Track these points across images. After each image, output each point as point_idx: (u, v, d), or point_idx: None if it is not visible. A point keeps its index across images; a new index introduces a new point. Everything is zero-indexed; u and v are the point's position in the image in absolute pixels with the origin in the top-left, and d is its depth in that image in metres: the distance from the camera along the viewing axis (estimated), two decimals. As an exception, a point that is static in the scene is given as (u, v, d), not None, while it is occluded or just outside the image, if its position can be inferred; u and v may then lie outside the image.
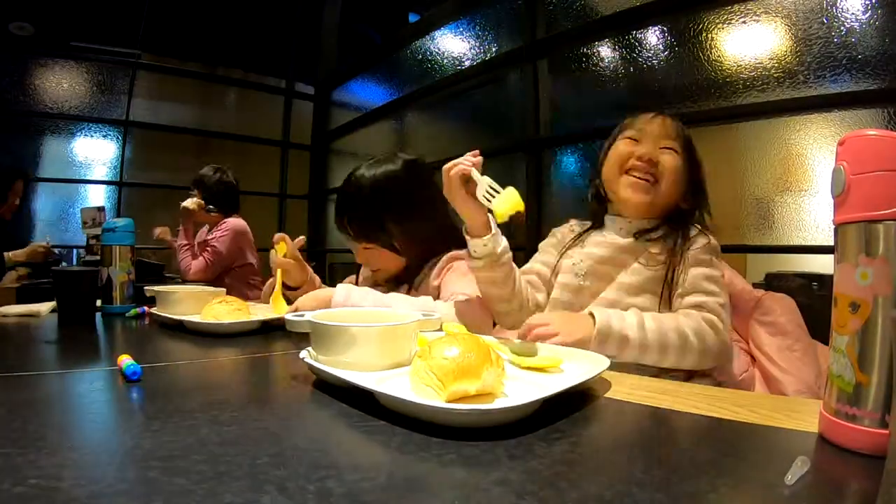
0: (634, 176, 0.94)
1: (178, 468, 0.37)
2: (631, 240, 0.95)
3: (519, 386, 0.56)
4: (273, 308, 1.12)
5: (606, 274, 0.94)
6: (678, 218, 0.96)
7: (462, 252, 1.06)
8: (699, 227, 0.96)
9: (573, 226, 1.07)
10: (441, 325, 0.73)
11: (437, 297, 1.09)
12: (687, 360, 0.80)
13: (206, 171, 2.47)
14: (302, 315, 0.66)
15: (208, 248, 2.37)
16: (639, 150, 0.94)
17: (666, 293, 0.90)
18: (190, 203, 2.38)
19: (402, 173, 1.14)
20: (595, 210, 1.04)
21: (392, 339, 0.62)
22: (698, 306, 0.85)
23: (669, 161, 0.94)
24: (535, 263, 1.06)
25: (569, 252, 1.00)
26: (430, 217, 1.15)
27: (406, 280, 1.19)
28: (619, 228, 0.97)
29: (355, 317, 0.69)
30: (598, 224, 1.02)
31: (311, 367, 0.61)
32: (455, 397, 0.49)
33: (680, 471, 0.38)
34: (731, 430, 0.48)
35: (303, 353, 0.64)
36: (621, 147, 0.97)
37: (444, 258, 1.14)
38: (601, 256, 0.95)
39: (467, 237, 0.91)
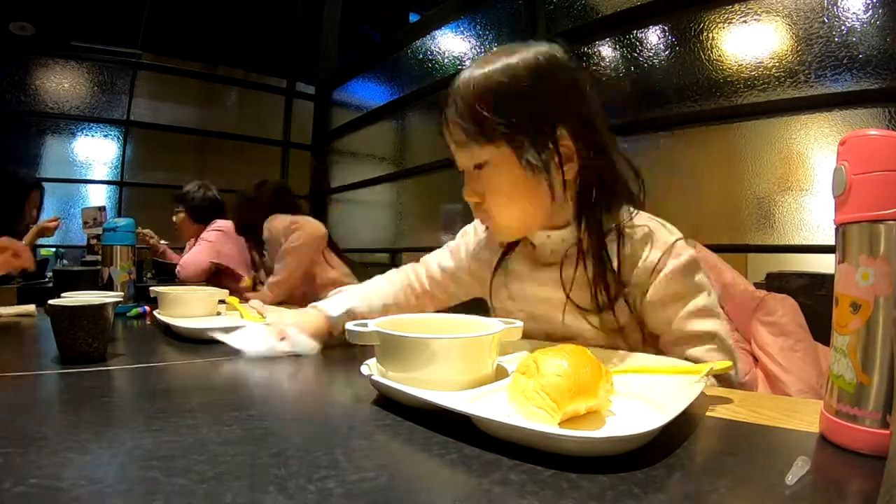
0: (482, 222, 0.78)
1: (179, 468, 0.37)
2: (555, 267, 0.75)
3: (623, 403, 0.51)
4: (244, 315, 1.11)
5: (546, 315, 0.77)
6: (591, 213, 0.72)
7: None
8: (651, 222, 0.73)
9: (481, 238, 0.88)
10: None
11: None
12: None
13: (189, 188, 2.50)
14: (365, 325, 0.58)
15: (199, 244, 2.37)
16: (466, 193, 0.74)
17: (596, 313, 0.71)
18: (148, 237, 2.56)
19: None
20: None
21: (478, 352, 0.55)
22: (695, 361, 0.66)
23: (485, 185, 0.72)
24: (434, 265, 0.93)
25: (494, 287, 0.84)
26: None
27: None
28: (540, 242, 0.77)
29: (425, 325, 0.61)
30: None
31: (378, 386, 0.54)
32: (566, 418, 0.45)
33: (680, 471, 0.38)
34: (731, 429, 0.48)
35: (365, 369, 0.57)
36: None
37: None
38: (535, 297, 0.78)
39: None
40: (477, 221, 0.87)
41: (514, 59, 0.68)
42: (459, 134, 0.70)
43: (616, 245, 0.71)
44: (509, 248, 0.82)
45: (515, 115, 0.67)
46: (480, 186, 0.72)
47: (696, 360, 0.65)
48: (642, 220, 0.73)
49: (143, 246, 2.70)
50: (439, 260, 0.93)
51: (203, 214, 2.46)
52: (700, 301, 0.70)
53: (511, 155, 0.68)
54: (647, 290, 0.70)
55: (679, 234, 0.73)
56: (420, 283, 0.93)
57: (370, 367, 0.57)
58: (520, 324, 0.62)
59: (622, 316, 0.72)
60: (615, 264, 0.70)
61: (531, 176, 0.69)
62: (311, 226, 1.84)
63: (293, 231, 1.79)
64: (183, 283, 2.27)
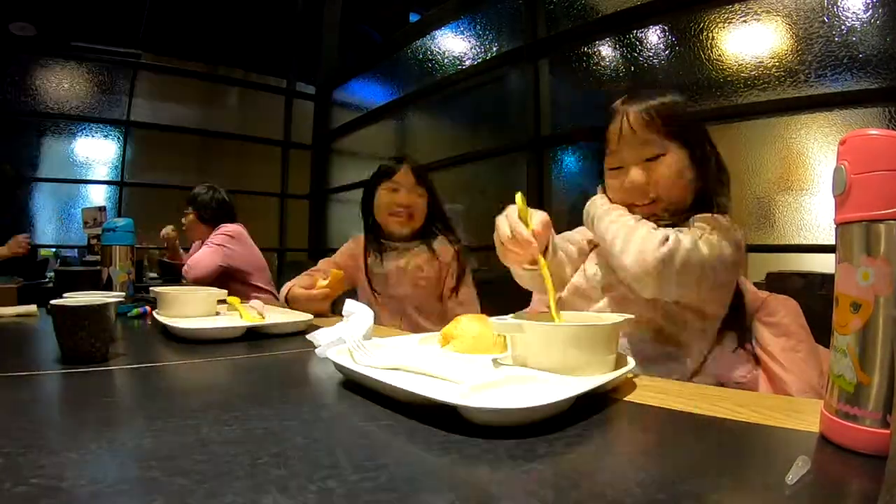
0: (637, 207, 0.90)
1: (180, 468, 0.37)
2: None
3: (540, 385, 0.55)
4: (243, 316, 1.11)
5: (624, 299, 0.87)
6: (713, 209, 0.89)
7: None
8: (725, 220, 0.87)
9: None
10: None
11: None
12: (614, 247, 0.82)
13: (198, 190, 2.52)
14: (504, 319, 0.64)
15: (207, 246, 2.38)
16: (625, 178, 0.89)
17: None
18: (167, 231, 2.54)
19: None
20: None
21: (614, 337, 0.63)
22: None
23: (659, 173, 0.88)
24: (573, 238, 1.02)
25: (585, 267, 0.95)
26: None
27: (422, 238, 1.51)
28: None
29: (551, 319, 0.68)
30: None
31: (346, 372, 0.61)
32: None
33: (681, 470, 0.38)
34: (732, 429, 0.48)
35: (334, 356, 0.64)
36: (612, 185, 0.93)
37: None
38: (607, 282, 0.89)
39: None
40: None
41: (676, 96, 0.91)
42: (643, 133, 0.86)
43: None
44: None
45: (688, 128, 0.89)
46: (651, 173, 0.87)
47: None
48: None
49: (156, 247, 2.72)
50: (570, 236, 1.02)
51: (212, 216, 2.48)
52: (715, 238, 0.83)
53: (683, 152, 0.87)
54: None
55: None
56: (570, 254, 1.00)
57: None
58: (631, 316, 0.69)
59: None
60: None
61: (690, 169, 0.87)
62: None
63: None
64: (190, 283, 2.28)
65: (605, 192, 0.95)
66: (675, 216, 0.88)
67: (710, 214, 0.86)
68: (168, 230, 2.64)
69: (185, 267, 2.36)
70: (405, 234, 1.52)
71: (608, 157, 0.92)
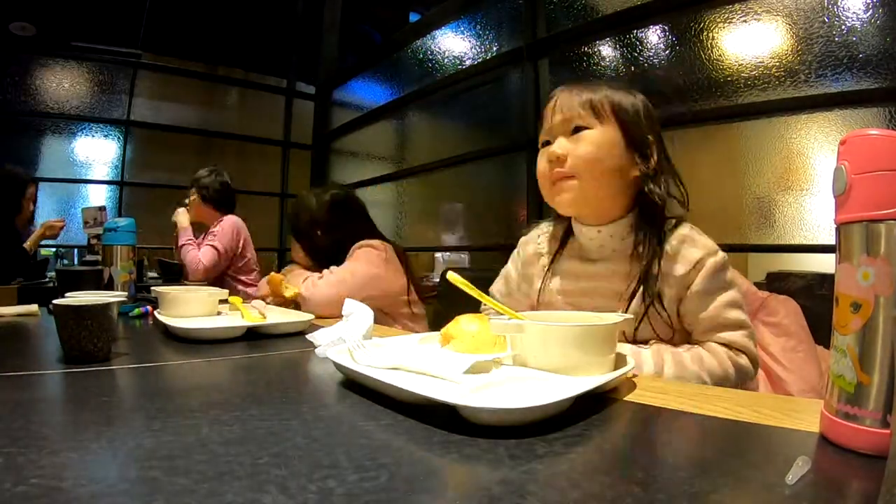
0: (556, 181, 0.82)
1: (180, 468, 0.37)
2: (605, 262, 0.84)
3: (540, 385, 0.56)
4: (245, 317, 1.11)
5: (592, 305, 0.82)
6: (647, 213, 0.82)
7: (370, 242, 1.50)
8: (691, 228, 0.82)
9: (541, 239, 0.95)
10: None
11: None
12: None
13: (202, 172, 2.58)
14: (504, 318, 0.64)
15: (208, 244, 2.40)
16: (548, 154, 0.83)
17: (630, 330, 0.79)
18: (179, 216, 2.51)
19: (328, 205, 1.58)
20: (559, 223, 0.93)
21: (613, 336, 0.63)
22: (727, 345, 0.77)
23: (582, 140, 0.80)
24: (497, 295, 1.00)
25: (543, 288, 0.90)
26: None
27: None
28: (588, 239, 0.86)
29: (551, 318, 0.69)
30: (568, 234, 0.91)
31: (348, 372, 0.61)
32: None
33: (681, 470, 0.38)
34: (732, 429, 0.48)
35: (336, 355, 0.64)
36: (538, 162, 0.86)
37: (356, 246, 1.50)
38: (582, 290, 0.85)
39: None
40: (521, 244, 0.98)
41: (627, 90, 0.85)
42: (576, 105, 0.81)
43: (663, 244, 0.80)
44: (558, 249, 0.91)
45: (629, 112, 0.82)
46: (574, 143, 0.81)
47: (731, 343, 0.76)
48: (683, 228, 0.83)
49: (158, 246, 2.71)
50: (499, 290, 1.01)
51: (213, 196, 2.53)
52: (735, 294, 0.79)
53: (616, 132, 0.81)
54: (691, 284, 0.78)
55: (709, 240, 0.82)
56: None
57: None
58: (630, 316, 0.70)
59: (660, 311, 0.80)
60: (662, 260, 0.79)
61: (626, 155, 0.81)
62: None
63: None
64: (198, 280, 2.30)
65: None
66: (607, 222, 0.83)
67: (687, 229, 0.81)
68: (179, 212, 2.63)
69: (190, 260, 2.38)
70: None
71: (541, 135, 0.88)
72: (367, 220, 1.70)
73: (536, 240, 0.96)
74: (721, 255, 0.80)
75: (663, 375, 0.72)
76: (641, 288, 0.79)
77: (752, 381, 0.79)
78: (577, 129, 0.81)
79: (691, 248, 0.79)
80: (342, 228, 1.58)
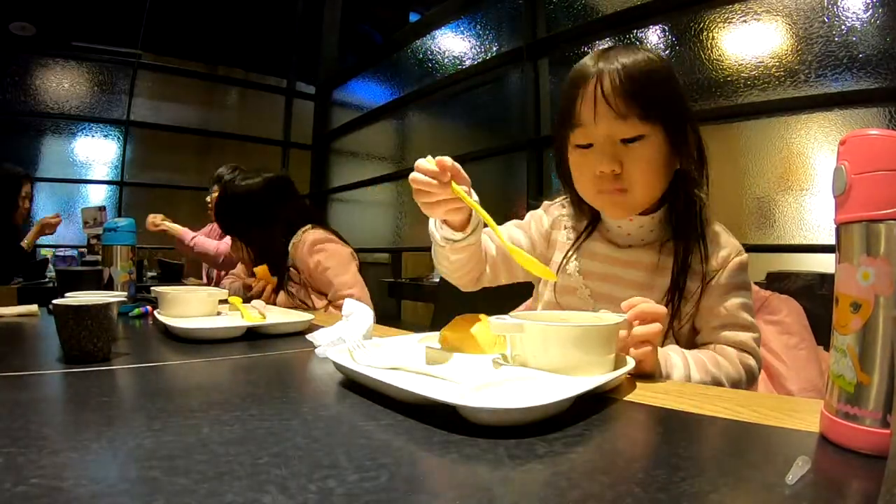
0: (606, 193, 0.77)
1: (180, 468, 0.37)
2: (635, 249, 0.82)
3: (539, 385, 0.55)
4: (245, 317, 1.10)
5: (619, 296, 0.76)
6: (686, 210, 0.79)
7: (316, 230, 1.47)
8: (720, 226, 0.82)
9: (566, 211, 0.91)
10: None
11: (310, 271, 1.44)
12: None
13: (223, 170, 2.56)
14: (503, 317, 0.63)
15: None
16: (596, 163, 0.75)
17: (666, 324, 0.74)
18: (152, 220, 2.48)
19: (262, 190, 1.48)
20: (583, 210, 0.88)
21: (614, 337, 0.62)
22: (737, 344, 0.76)
23: (636, 155, 0.74)
24: (506, 237, 0.89)
25: (566, 266, 0.87)
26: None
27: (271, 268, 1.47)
28: (617, 227, 0.84)
29: (552, 319, 0.68)
30: (594, 222, 0.88)
31: (351, 373, 0.60)
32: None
33: (681, 470, 0.38)
34: (731, 429, 0.48)
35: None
36: (577, 160, 0.80)
37: (305, 236, 1.44)
38: (601, 274, 0.84)
39: (440, 228, 0.79)
40: (545, 207, 0.94)
41: (654, 57, 0.76)
42: (622, 106, 0.72)
43: (698, 240, 0.79)
44: (585, 228, 0.88)
45: (674, 107, 0.76)
46: (627, 158, 0.75)
47: (740, 344, 0.76)
48: (715, 225, 0.82)
49: (156, 246, 2.70)
50: (509, 234, 0.92)
51: None
52: (750, 297, 0.79)
53: (663, 135, 0.75)
54: (714, 278, 0.78)
55: (737, 241, 0.82)
56: (488, 249, 0.90)
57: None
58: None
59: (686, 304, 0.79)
60: (692, 255, 0.78)
61: (671, 157, 0.77)
62: None
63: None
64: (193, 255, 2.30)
65: (576, 198, 0.85)
66: (643, 212, 0.81)
67: (719, 228, 0.81)
68: (152, 219, 2.60)
69: (213, 250, 2.36)
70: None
71: (574, 130, 0.77)
72: (301, 199, 1.63)
73: (562, 210, 0.92)
74: (745, 255, 0.80)
75: (689, 378, 0.70)
76: (670, 281, 0.78)
77: (755, 384, 0.79)
78: (629, 138, 0.74)
79: (721, 245, 0.79)
80: (281, 215, 1.50)
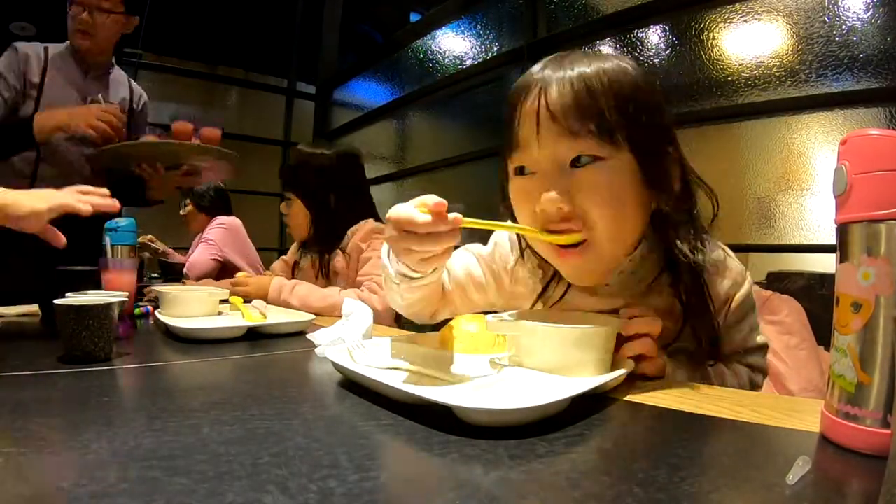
0: (555, 236, 0.60)
1: (180, 468, 0.37)
2: (613, 298, 0.67)
3: (537, 386, 0.55)
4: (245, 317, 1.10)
5: None
6: (664, 234, 0.64)
7: (380, 226, 1.41)
8: (721, 249, 0.70)
9: (525, 262, 0.75)
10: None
11: (359, 254, 1.40)
12: None
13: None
14: (501, 317, 0.62)
15: (203, 243, 2.40)
16: (540, 198, 0.59)
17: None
18: (149, 242, 2.55)
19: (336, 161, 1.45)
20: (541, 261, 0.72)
21: (612, 339, 0.61)
22: (750, 367, 0.73)
23: (589, 183, 0.58)
24: (460, 269, 0.80)
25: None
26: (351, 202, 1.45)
27: (323, 244, 1.46)
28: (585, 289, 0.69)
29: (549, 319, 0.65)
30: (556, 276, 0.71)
31: (348, 373, 0.60)
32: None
33: (681, 470, 0.38)
34: (732, 429, 0.48)
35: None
36: (516, 189, 0.64)
37: (366, 226, 1.41)
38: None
39: (395, 262, 0.67)
40: (508, 234, 0.78)
41: (626, 65, 0.60)
42: (572, 121, 0.57)
43: (700, 276, 0.64)
44: (553, 277, 0.71)
45: (647, 125, 0.59)
46: (577, 187, 0.58)
47: (753, 366, 0.72)
48: (715, 252, 0.68)
49: (147, 249, 2.73)
50: (466, 265, 0.80)
51: (209, 204, 2.53)
52: (755, 316, 0.73)
53: (631, 161, 0.58)
54: (721, 314, 0.68)
55: (736, 259, 0.72)
56: (444, 283, 0.79)
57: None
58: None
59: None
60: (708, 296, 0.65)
61: (643, 190, 0.60)
62: None
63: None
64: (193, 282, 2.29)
65: (508, 210, 0.69)
66: (612, 263, 0.64)
67: (721, 254, 0.69)
68: (146, 241, 2.63)
69: (185, 269, 2.38)
70: (300, 241, 1.56)
71: (513, 152, 0.63)
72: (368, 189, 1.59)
73: (520, 258, 0.76)
74: (748, 283, 0.70)
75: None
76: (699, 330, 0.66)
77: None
78: (578, 159, 0.58)
79: (722, 278, 0.68)
80: (354, 195, 1.46)
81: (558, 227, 0.59)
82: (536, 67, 0.62)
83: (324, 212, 1.43)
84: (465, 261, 0.80)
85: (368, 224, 1.43)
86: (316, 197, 1.43)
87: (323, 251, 1.45)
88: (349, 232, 1.44)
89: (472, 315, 0.77)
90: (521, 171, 0.63)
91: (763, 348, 0.74)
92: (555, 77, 0.59)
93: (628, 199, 0.59)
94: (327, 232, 1.44)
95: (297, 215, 1.46)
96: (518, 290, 0.77)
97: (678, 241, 0.63)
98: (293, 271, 1.57)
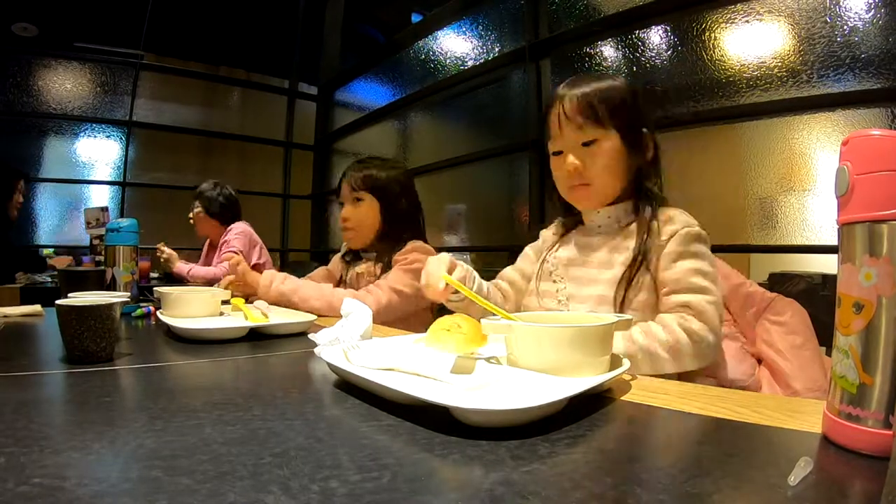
0: (575, 188, 0.94)
1: (182, 467, 0.37)
2: (601, 236, 0.95)
3: (533, 386, 0.55)
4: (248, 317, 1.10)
5: (584, 276, 0.94)
6: (644, 198, 0.93)
7: (425, 246, 1.47)
8: (678, 211, 0.92)
9: (558, 227, 1.07)
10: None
11: (397, 262, 1.42)
12: (664, 371, 0.77)
13: (205, 186, 2.61)
14: (496, 319, 0.64)
15: (225, 251, 2.42)
16: (563, 164, 0.93)
17: (620, 293, 0.87)
18: (166, 254, 2.49)
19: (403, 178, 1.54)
20: (569, 212, 1.04)
21: (609, 337, 0.62)
22: (683, 306, 0.81)
23: (594, 154, 0.91)
24: (511, 271, 1.09)
25: (547, 257, 1.02)
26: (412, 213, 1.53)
27: (377, 250, 1.50)
28: (590, 219, 0.98)
29: (544, 320, 0.68)
30: (579, 222, 1.02)
31: (344, 374, 0.60)
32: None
33: (683, 471, 0.38)
34: (734, 430, 0.48)
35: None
36: (553, 164, 0.96)
37: (410, 244, 1.44)
38: (572, 258, 0.97)
39: None
40: (542, 233, 1.11)
41: (616, 82, 0.93)
42: (580, 119, 0.90)
43: (653, 222, 0.90)
44: (567, 231, 1.03)
45: (626, 115, 0.91)
46: (587, 158, 0.91)
47: (687, 304, 0.81)
48: (671, 210, 0.92)
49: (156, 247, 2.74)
50: (519, 269, 1.10)
51: (219, 210, 2.56)
52: (705, 265, 0.85)
53: (618, 139, 0.91)
54: (664, 248, 0.86)
55: (688, 216, 0.91)
56: (504, 291, 1.08)
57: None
58: (628, 316, 0.68)
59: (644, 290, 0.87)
60: (649, 235, 0.89)
61: (628, 157, 0.92)
62: None
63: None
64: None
65: (556, 194, 1.00)
66: (608, 203, 0.95)
67: (675, 211, 0.91)
68: (165, 251, 2.59)
69: (190, 272, 2.39)
70: (358, 246, 1.55)
71: (550, 141, 0.96)
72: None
73: (552, 229, 1.08)
74: (697, 228, 0.88)
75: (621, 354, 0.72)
76: (633, 257, 0.88)
77: (713, 354, 0.81)
78: (587, 143, 0.91)
79: (673, 223, 0.89)
80: (417, 209, 1.56)
81: (573, 183, 0.93)
82: (561, 86, 0.95)
83: (397, 214, 1.49)
84: (513, 271, 1.10)
85: (417, 242, 1.47)
86: (392, 200, 1.49)
87: (382, 254, 1.48)
88: (401, 247, 1.47)
89: (459, 315, 0.77)
90: (555, 153, 0.95)
91: (705, 292, 0.82)
92: (568, 94, 0.92)
93: (617, 161, 0.92)
94: (394, 234, 1.47)
95: (368, 216, 1.49)
96: (530, 271, 1.07)
97: (648, 183, 0.94)
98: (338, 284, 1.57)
